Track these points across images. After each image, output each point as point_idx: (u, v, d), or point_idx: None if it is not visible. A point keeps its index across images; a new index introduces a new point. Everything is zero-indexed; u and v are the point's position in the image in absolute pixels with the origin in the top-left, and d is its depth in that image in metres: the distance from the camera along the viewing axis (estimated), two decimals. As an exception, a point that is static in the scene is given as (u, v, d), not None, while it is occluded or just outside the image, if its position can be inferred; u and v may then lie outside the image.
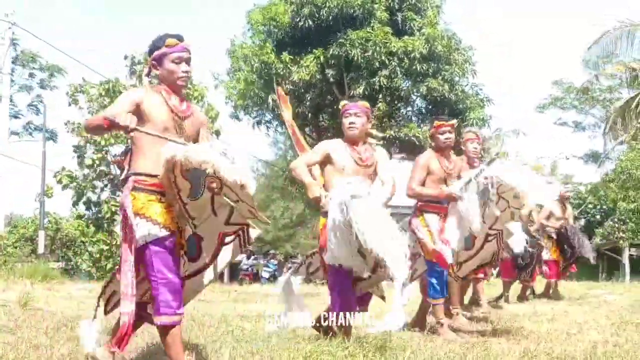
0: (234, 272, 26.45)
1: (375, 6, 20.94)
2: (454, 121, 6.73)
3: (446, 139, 6.45)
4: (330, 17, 20.87)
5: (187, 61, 4.24)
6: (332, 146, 5.49)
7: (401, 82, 21.04)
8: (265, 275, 24.55)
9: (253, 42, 22.19)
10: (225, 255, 4.33)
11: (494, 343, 5.80)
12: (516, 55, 72.50)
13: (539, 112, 38.86)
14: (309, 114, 23.12)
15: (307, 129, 22.95)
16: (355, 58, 20.42)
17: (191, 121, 4.33)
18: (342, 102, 5.88)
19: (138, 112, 4.03)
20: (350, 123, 5.52)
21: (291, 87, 20.61)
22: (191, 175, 3.88)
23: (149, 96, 4.14)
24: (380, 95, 20.85)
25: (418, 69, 20.63)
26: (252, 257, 26.02)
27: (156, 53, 4.22)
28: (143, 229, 3.97)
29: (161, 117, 4.13)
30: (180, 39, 4.23)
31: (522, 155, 36.65)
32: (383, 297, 5.96)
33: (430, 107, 22.76)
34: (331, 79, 21.22)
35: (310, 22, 20.90)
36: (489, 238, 6.49)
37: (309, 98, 22.37)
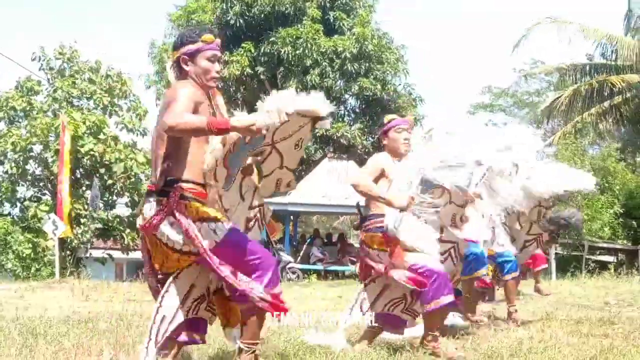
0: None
1: (307, 4, 21.01)
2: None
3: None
4: (262, 15, 20.84)
5: (220, 60, 3.94)
6: (385, 161, 5.26)
7: (333, 82, 21.15)
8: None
9: (176, 42, 22.08)
10: None
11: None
12: (448, 56, 73.82)
13: (470, 114, 39.61)
14: (240, 112, 23.00)
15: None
16: (287, 56, 20.44)
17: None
18: (390, 117, 5.57)
19: (195, 112, 3.63)
20: (405, 139, 5.30)
21: (221, 84, 20.49)
22: (232, 160, 3.71)
23: (200, 94, 3.76)
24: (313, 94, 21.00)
25: (349, 68, 20.78)
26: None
27: (190, 47, 3.83)
28: (209, 231, 3.64)
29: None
30: (215, 34, 3.91)
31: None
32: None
33: (362, 106, 22.96)
34: (262, 76, 21.19)
35: (241, 20, 20.84)
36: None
37: (239, 96, 22.33)
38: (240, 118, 3.49)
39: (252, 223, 4.10)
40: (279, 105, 3.53)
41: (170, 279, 3.72)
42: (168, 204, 3.62)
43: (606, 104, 20.51)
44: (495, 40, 72.11)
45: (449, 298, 4.97)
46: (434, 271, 4.94)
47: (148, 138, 20.10)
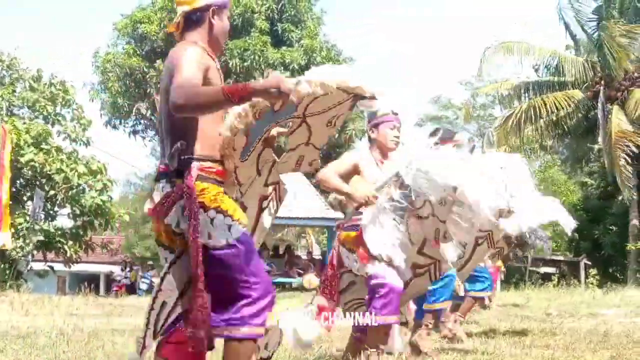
0: (110, 284, 25.75)
1: (255, 16, 21.01)
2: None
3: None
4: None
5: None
6: (361, 157, 5.00)
7: (282, 93, 21.23)
8: (144, 286, 23.92)
9: (123, 49, 21.85)
10: (264, 222, 3.66)
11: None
12: (397, 69, 74.69)
13: (418, 126, 40.08)
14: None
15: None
16: (235, 67, 20.39)
17: None
18: (383, 111, 5.06)
19: (205, 79, 3.09)
20: (395, 137, 4.97)
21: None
22: (254, 128, 3.19)
23: (207, 56, 3.21)
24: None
25: (298, 80, 20.88)
26: (128, 268, 25.32)
27: (219, 0, 3.28)
28: (223, 227, 3.11)
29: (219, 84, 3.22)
30: None
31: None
32: (405, 323, 5.52)
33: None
34: (208, 87, 21.16)
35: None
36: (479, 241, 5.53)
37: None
38: (262, 80, 2.89)
39: (266, 202, 3.62)
40: (323, 77, 3.05)
41: (168, 263, 3.18)
42: (182, 187, 3.07)
43: (552, 117, 21.00)
44: (446, 50, 73.21)
45: (392, 319, 4.57)
46: (388, 285, 4.52)
47: (91, 148, 19.83)
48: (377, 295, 4.51)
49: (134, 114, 21.98)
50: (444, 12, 73.45)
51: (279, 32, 21.63)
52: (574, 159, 24.68)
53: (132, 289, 23.55)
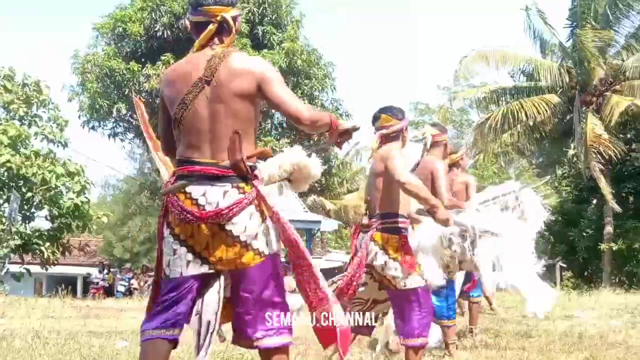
0: (88, 286, 25.54)
1: (235, 18, 20.99)
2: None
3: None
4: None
5: None
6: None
7: (261, 95, 21.20)
8: (121, 289, 23.76)
9: (103, 51, 21.73)
10: None
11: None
12: (376, 73, 74.97)
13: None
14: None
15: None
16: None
17: None
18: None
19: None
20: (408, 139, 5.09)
21: (145, 97, 20.24)
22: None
23: None
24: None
25: (278, 82, 20.86)
26: (105, 270, 25.12)
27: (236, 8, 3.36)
28: (277, 235, 3.25)
29: None
30: None
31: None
32: None
33: (289, 121, 23.01)
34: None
35: (169, 32, 20.66)
36: None
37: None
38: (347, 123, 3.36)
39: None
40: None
41: (220, 293, 3.20)
42: (255, 192, 3.14)
43: (529, 122, 21.18)
44: (421, 56, 73.51)
45: (423, 341, 4.55)
46: (430, 307, 4.59)
47: (68, 149, 19.67)
48: (418, 317, 4.48)
49: (113, 116, 21.83)
50: (421, 18, 73.78)
51: (260, 35, 21.61)
52: (549, 163, 24.91)
53: (109, 292, 23.35)
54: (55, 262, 19.19)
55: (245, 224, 3.10)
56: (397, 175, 4.40)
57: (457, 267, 5.45)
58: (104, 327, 8.33)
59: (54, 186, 17.73)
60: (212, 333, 3.16)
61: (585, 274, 22.94)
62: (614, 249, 20.19)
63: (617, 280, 19.97)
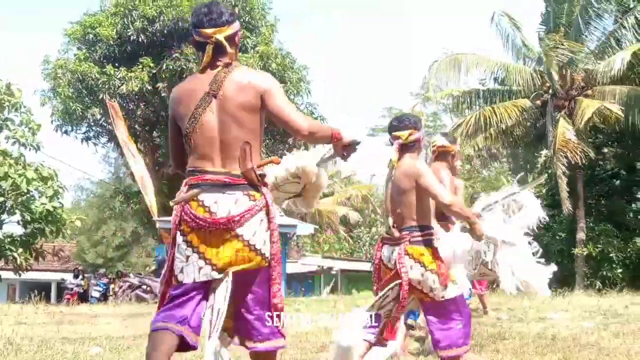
0: (62, 292, 25.32)
1: (211, 22, 20.96)
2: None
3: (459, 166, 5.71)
4: (165, 31, 20.65)
5: None
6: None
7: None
8: (96, 294, 23.60)
9: (75, 56, 21.58)
10: None
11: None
12: (351, 77, 75.26)
13: (371, 136, 40.36)
14: (142, 130, 22.72)
15: (139, 145, 22.53)
16: (190, 72, 20.31)
17: None
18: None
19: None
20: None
21: (120, 101, 20.12)
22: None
23: None
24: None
25: (253, 86, 20.87)
26: (80, 276, 24.90)
27: (238, 25, 3.54)
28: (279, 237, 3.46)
29: None
30: None
31: (358, 173, 38.06)
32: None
33: (265, 125, 22.98)
34: (163, 93, 20.98)
35: (143, 36, 20.57)
36: None
37: (139, 113, 22.01)
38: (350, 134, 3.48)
39: None
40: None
41: (228, 297, 3.29)
42: (265, 200, 3.35)
43: (501, 127, 21.31)
44: (396, 62, 73.88)
45: (465, 349, 4.56)
46: (468, 315, 4.59)
47: (41, 153, 19.46)
48: (458, 327, 4.47)
49: (87, 120, 21.69)
50: (395, 24, 74.15)
51: (234, 38, 21.66)
52: (522, 167, 25.08)
53: (84, 297, 23.18)
54: (29, 267, 18.97)
55: (255, 229, 3.29)
56: (441, 198, 4.46)
57: (477, 275, 5.54)
58: (77, 333, 8.26)
59: (25, 191, 17.52)
60: (221, 317, 3.29)
61: (559, 276, 23.13)
62: (586, 253, 20.39)
63: (590, 283, 20.14)
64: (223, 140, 3.32)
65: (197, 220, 3.27)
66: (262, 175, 3.37)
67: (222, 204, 3.27)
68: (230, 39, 3.45)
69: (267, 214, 3.34)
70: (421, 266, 4.44)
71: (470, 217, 4.58)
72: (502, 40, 22.28)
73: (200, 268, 3.27)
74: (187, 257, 3.29)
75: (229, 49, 3.43)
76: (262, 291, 3.33)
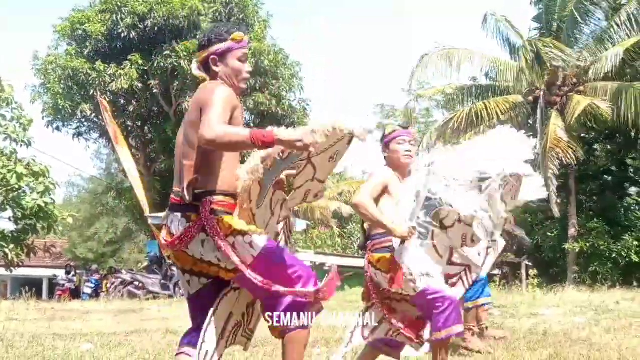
0: (54, 288, 25.25)
1: (202, 18, 20.91)
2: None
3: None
4: (156, 28, 20.60)
5: (247, 59, 3.66)
6: (388, 177, 4.80)
7: (229, 96, 21.21)
8: (88, 290, 23.54)
9: (65, 51, 21.54)
10: None
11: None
12: (344, 73, 75.23)
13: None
14: (134, 125, 22.69)
15: (131, 141, 22.52)
16: (182, 69, 20.30)
17: None
18: (392, 127, 5.11)
19: (232, 118, 3.32)
20: (406, 151, 4.82)
21: (111, 97, 20.07)
22: (267, 177, 3.45)
23: (234, 97, 3.43)
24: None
25: (245, 82, 20.86)
26: (72, 272, 24.84)
27: (220, 47, 3.49)
28: (245, 245, 3.30)
29: (242, 124, 3.48)
30: (245, 32, 3.60)
31: (350, 170, 38.10)
32: None
33: (257, 121, 23.04)
34: (154, 90, 20.93)
35: (133, 33, 20.52)
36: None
37: (131, 109, 21.99)
38: (286, 132, 3.16)
39: (280, 237, 3.85)
40: (322, 125, 3.30)
41: (211, 312, 3.35)
42: (199, 220, 3.28)
43: (493, 122, 21.30)
44: (396, 62, 73.84)
45: (459, 328, 4.51)
46: (447, 297, 4.46)
47: (32, 149, 19.38)
48: (437, 311, 4.43)
49: (78, 116, 21.67)
50: (386, 20, 74.16)
51: (226, 35, 21.61)
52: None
53: (76, 294, 23.12)
54: (20, 263, 18.92)
55: (199, 250, 3.29)
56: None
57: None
58: (69, 330, 8.25)
59: (16, 187, 17.46)
60: (211, 315, 3.35)
61: (551, 272, 23.21)
62: (578, 249, 20.46)
63: (581, 278, 20.23)
64: (179, 160, 3.41)
65: (162, 243, 3.41)
66: (201, 195, 3.29)
67: (173, 226, 3.34)
68: (204, 62, 3.50)
69: (212, 231, 3.25)
70: (381, 272, 4.57)
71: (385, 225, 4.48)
72: (495, 37, 22.29)
73: (188, 281, 3.42)
74: (179, 273, 3.50)
75: (208, 71, 3.49)
76: (259, 294, 3.35)
